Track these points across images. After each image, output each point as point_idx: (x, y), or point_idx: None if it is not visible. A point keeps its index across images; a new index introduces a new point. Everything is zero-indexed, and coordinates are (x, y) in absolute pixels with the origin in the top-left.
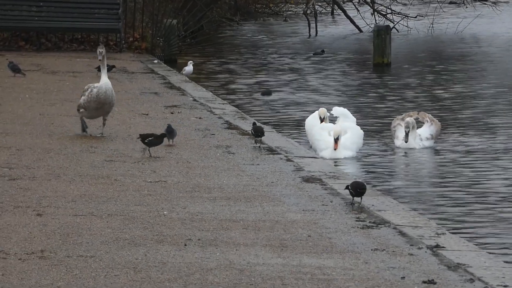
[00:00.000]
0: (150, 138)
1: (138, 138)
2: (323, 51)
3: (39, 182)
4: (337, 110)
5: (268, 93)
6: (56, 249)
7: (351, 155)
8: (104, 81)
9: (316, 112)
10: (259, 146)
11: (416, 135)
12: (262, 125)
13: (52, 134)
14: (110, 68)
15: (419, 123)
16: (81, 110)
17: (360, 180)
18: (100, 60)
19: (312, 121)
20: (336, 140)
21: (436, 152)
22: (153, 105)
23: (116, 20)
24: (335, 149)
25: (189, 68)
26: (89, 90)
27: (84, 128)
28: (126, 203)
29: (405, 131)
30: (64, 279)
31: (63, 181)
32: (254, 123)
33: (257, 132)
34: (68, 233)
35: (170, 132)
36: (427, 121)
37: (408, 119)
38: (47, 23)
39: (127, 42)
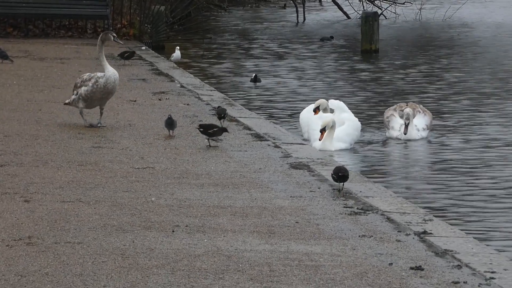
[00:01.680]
0: (215, 129)
1: (197, 127)
2: (332, 37)
3: (26, 168)
4: (333, 103)
5: (257, 79)
6: (44, 236)
7: (343, 147)
8: (112, 70)
9: (312, 105)
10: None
11: (413, 125)
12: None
13: (40, 120)
14: (131, 55)
15: None
16: (80, 102)
17: (342, 165)
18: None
19: (308, 114)
20: (322, 131)
21: (428, 141)
22: (141, 92)
23: (104, 6)
24: (319, 140)
25: (177, 54)
26: (94, 80)
27: (85, 120)
28: (114, 190)
29: (405, 123)
30: (51, 265)
31: (50, 167)
32: (218, 107)
33: (221, 114)
34: (56, 220)
35: (170, 124)
36: (419, 112)
37: (407, 110)
38: (35, 9)
39: (115, 28)
